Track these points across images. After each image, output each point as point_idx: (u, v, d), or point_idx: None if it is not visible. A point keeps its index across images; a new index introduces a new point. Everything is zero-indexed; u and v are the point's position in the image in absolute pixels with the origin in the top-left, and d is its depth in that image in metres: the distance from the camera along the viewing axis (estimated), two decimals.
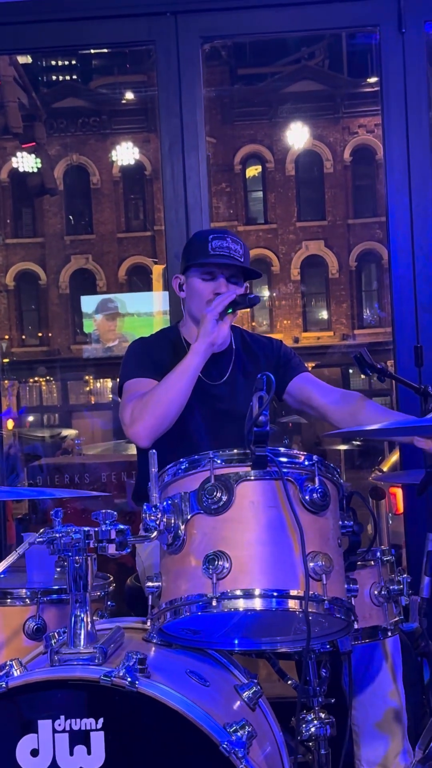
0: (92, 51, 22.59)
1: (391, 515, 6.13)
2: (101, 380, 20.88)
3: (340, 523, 1.81)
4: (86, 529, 1.67)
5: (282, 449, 1.75)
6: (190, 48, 3.28)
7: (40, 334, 23.08)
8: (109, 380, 20.49)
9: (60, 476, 5.39)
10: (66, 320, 22.65)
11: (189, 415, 2.44)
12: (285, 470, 1.70)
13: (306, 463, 1.74)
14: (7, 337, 20.40)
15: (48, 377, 21.14)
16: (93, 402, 20.69)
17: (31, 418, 19.00)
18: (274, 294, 22.97)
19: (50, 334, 22.71)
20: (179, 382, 2.32)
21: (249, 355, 2.59)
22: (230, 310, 2.38)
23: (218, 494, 1.69)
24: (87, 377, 21.09)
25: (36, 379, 21.42)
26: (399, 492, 6.11)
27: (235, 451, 1.73)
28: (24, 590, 2.06)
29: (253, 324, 22.58)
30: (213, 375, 2.51)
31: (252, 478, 1.70)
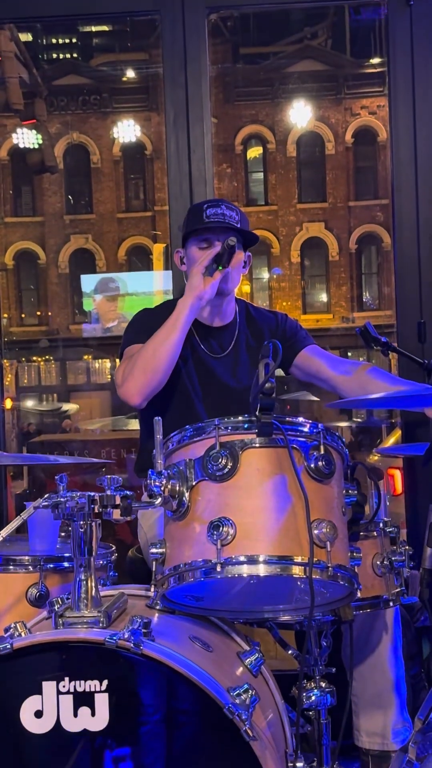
0: (93, 29, 22.46)
1: (389, 496, 6.14)
2: (100, 360, 20.88)
3: (345, 492, 1.81)
4: (91, 494, 1.66)
5: (288, 417, 1.75)
6: (195, 18, 3.25)
7: (39, 314, 23.04)
8: (107, 360, 20.50)
9: (60, 452, 5.40)
10: (65, 300, 22.62)
11: (190, 388, 2.45)
12: (290, 438, 1.70)
13: (311, 431, 1.73)
14: (6, 315, 20.36)
15: (47, 356, 21.13)
16: (92, 382, 20.70)
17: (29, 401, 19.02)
18: (274, 276, 22.93)
19: (49, 314, 22.68)
20: (167, 337, 2.33)
21: (253, 329, 2.59)
22: (219, 267, 2.37)
23: (223, 461, 1.68)
24: (86, 357, 21.09)
25: (35, 358, 21.40)
26: (397, 473, 6.13)
27: (241, 418, 1.73)
28: (27, 557, 2.06)
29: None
30: (215, 348, 2.51)
31: (257, 445, 1.69)
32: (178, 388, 2.46)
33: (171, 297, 3.34)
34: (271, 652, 2.51)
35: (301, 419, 1.76)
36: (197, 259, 2.44)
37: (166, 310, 2.53)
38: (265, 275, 23.11)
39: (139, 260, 22.19)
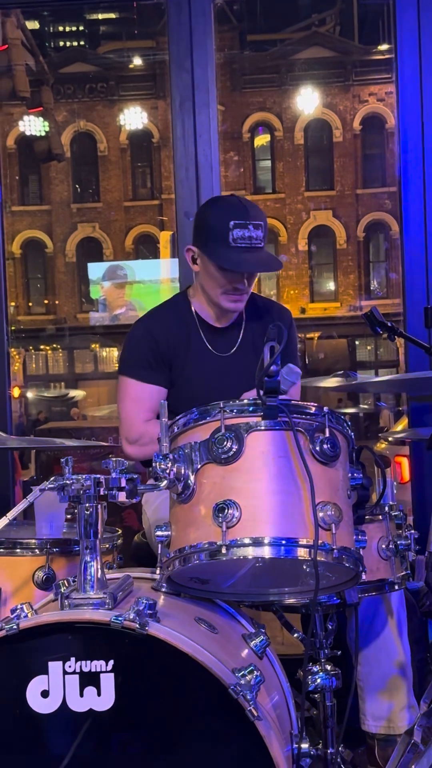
0: (100, 16, 22.39)
1: (396, 484, 6.14)
2: (107, 348, 20.90)
3: (350, 475, 1.81)
4: (97, 476, 1.67)
5: (293, 400, 1.75)
6: (202, 2, 3.24)
7: (46, 302, 23.06)
8: (115, 349, 20.50)
9: (67, 439, 5.41)
10: (72, 288, 22.63)
11: (199, 388, 2.43)
12: (295, 420, 1.70)
13: (317, 413, 1.73)
14: (13, 304, 20.39)
15: (54, 345, 21.15)
16: (99, 370, 20.72)
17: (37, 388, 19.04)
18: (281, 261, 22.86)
19: (57, 302, 22.69)
20: None
21: (259, 326, 2.51)
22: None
23: (228, 444, 1.69)
24: (93, 345, 21.10)
25: (42, 347, 21.43)
26: (404, 461, 6.13)
27: (246, 401, 1.73)
28: (33, 540, 2.08)
29: (260, 294, 22.51)
30: (221, 347, 2.48)
31: (263, 428, 1.70)
32: (190, 387, 2.43)
33: (177, 285, 3.34)
34: (278, 637, 2.52)
35: (306, 402, 1.76)
36: (217, 279, 2.35)
37: (171, 316, 2.47)
38: None
39: (146, 248, 22.17)
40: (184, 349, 2.44)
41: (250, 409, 1.71)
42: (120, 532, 2.34)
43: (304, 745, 1.75)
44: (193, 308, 2.49)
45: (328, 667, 2.00)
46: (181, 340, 2.44)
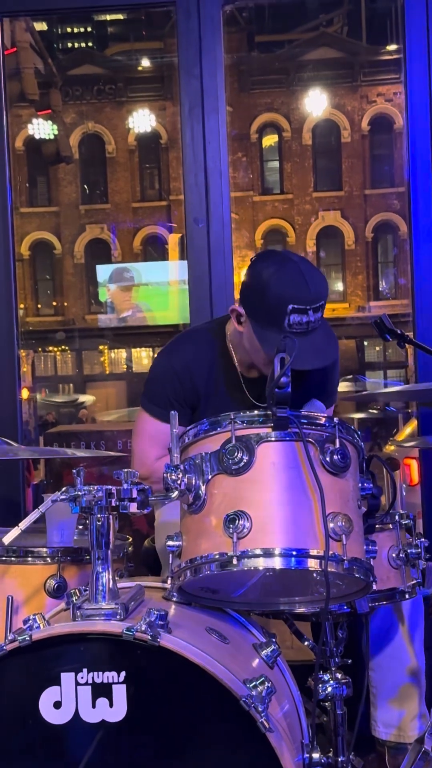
0: (108, 18, 22.40)
1: (405, 486, 6.14)
2: (116, 350, 20.92)
3: (360, 485, 1.82)
4: (108, 487, 1.68)
5: (303, 411, 1.75)
6: (211, 9, 3.24)
7: (54, 304, 23.10)
8: (123, 350, 20.53)
9: (76, 443, 5.42)
10: (81, 290, 22.66)
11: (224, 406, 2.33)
12: (306, 431, 1.70)
13: (327, 424, 1.74)
14: (22, 306, 20.43)
15: (63, 347, 21.19)
16: (108, 372, 20.74)
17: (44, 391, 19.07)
18: None
19: (65, 304, 22.73)
20: None
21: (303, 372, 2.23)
22: None
23: (239, 455, 1.69)
24: (102, 347, 21.13)
25: (51, 348, 21.47)
26: (413, 463, 6.12)
27: (256, 412, 1.73)
28: (45, 549, 2.08)
29: None
30: (262, 398, 2.25)
31: (273, 439, 1.70)
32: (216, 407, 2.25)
33: (186, 288, 3.35)
34: (287, 642, 2.52)
35: (316, 413, 1.77)
36: (262, 351, 2.12)
37: (203, 358, 2.29)
38: None
39: (155, 250, 22.18)
40: (214, 390, 2.29)
41: (261, 420, 1.72)
42: (130, 539, 2.35)
43: (315, 755, 1.76)
44: (233, 356, 2.30)
45: (339, 676, 2.00)
46: (211, 383, 2.28)
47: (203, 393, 2.28)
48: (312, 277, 2.12)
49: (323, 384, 2.36)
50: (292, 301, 2.05)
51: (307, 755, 1.75)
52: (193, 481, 1.72)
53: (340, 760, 1.98)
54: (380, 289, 23.12)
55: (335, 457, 1.71)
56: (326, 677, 1.99)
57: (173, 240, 18.45)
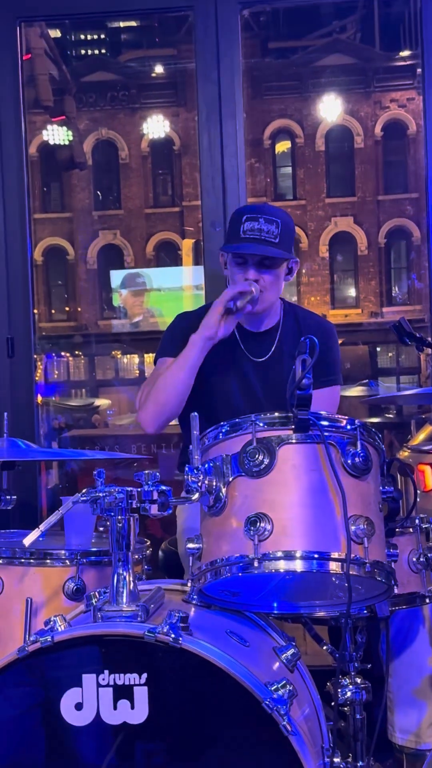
0: (121, 24, 22.50)
1: (420, 492, 6.10)
2: (129, 355, 20.95)
3: (381, 488, 1.81)
4: (129, 489, 1.68)
5: (324, 413, 1.75)
6: (228, 14, 3.26)
7: (68, 309, 23.17)
8: (136, 356, 20.55)
9: (91, 447, 5.43)
10: (94, 295, 22.71)
11: (230, 392, 2.47)
12: (327, 434, 1.70)
13: (348, 427, 1.74)
14: (36, 311, 20.50)
15: (76, 352, 21.24)
16: (121, 377, 20.77)
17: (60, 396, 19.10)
18: (303, 271, 22.85)
19: (78, 309, 22.79)
20: (177, 374, 2.40)
21: (295, 335, 2.55)
22: (235, 309, 2.36)
23: (260, 457, 1.69)
24: (115, 352, 21.16)
25: (64, 353, 21.52)
26: (428, 469, 6.09)
27: (277, 414, 1.73)
28: (64, 551, 2.08)
29: None
30: (256, 352, 2.54)
31: (294, 441, 1.70)
32: (216, 390, 2.50)
33: (201, 293, 3.36)
34: (303, 647, 2.51)
35: (337, 415, 1.76)
36: (233, 276, 2.46)
37: (201, 316, 2.51)
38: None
39: (167, 255, 22.22)
40: (218, 351, 2.46)
41: (282, 422, 1.72)
42: (148, 542, 2.35)
43: (336, 760, 1.75)
44: None
45: (358, 680, 1.99)
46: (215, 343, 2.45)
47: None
48: (269, 205, 2.54)
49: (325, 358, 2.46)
50: (246, 212, 2.45)
51: (328, 760, 1.74)
52: (214, 483, 1.72)
53: (359, 765, 1.97)
54: (393, 294, 23.07)
55: (357, 459, 1.71)
56: (345, 682, 1.98)
57: (187, 245, 18.50)
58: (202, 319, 2.47)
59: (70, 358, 21.92)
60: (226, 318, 2.39)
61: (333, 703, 1.93)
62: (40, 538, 2.21)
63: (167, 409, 2.41)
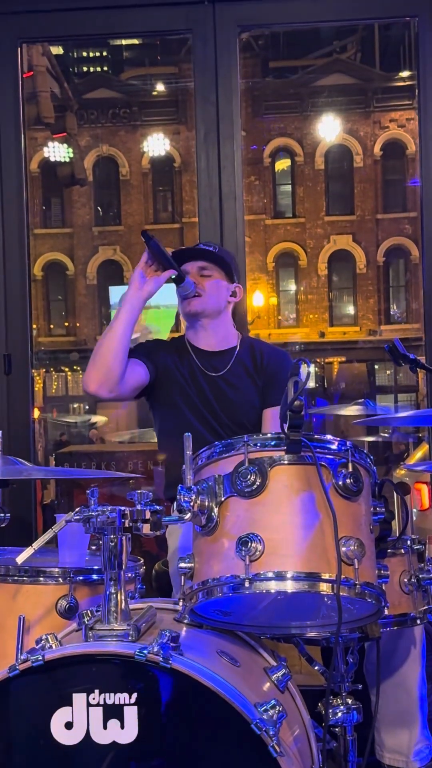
0: (123, 42, 22.68)
1: (416, 512, 6.11)
2: None
3: (372, 509, 1.82)
4: (122, 508, 1.69)
5: (316, 435, 1.76)
6: (227, 37, 3.30)
7: (66, 324, 23.20)
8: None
9: (87, 464, 5.43)
10: (93, 311, 22.76)
11: (189, 404, 2.60)
12: (319, 455, 1.71)
13: (340, 448, 1.75)
14: (34, 326, 20.52)
15: (75, 367, 21.25)
16: None
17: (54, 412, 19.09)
18: (301, 288, 22.91)
19: (77, 325, 22.83)
20: (110, 328, 2.56)
21: (251, 354, 2.71)
22: (164, 266, 2.57)
23: (252, 477, 1.70)
24: None
25: (62, 368, 21.53)
26: (424, 488, 6.10)
27: (270, 435, 1.74)
28: (56, 569, 2.09)
29: (279, 318, 22.54)
30: (211, 368, 2.66)
31: (286, 462, 1.71)
32: (176, 404, 2.62)
33: None
34: (296, 666, 2.52)
35: (329, 437, 1.77)
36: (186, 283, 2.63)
37: (171, 341, 2.78)
38: (292, 287, 23.11)
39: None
40: (175, 365, 2.65)
41: (274, 443, 1.73)
42: (142, 561, 2.35)
43: None
44: (186, 337, 2.74)
45: (349, 701, 1.99)
46: (173, 358, 2.66)
47: (168, 364, 2.65)
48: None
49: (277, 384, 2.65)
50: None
51: None
52: (206, 503, 1.73)
53: None
54: (391, 312, 23.13)
55: (348, 481, 1.72)
56: (337, 702, 1.98)
57: None
58: (169, 344, 2.75)
59: (69, 373, 21.93)
60: (153, 275, 2.59)
61: (324, 724, 1.94)
62: (36, 556, 2.23)
63: (104, 363, 2.51)
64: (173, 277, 2.58)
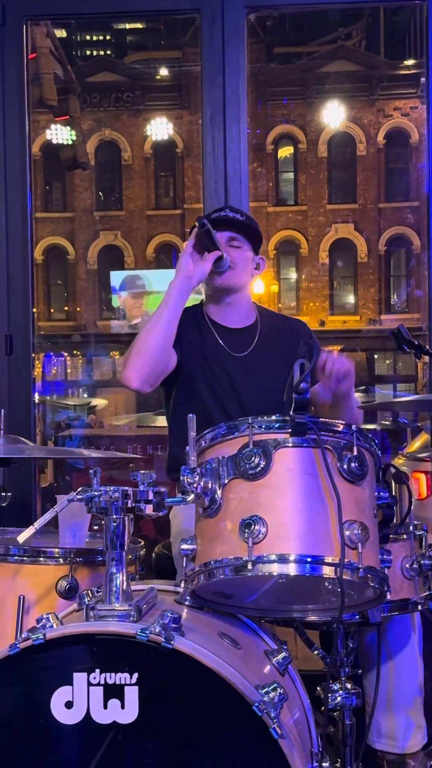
0: (127, 26, 22.55)
1: (414, 500, 6.11)
2: None
3: (376, 494, 1.81)
4: (124, 488, 1.68)
5: (321, 418, 1.75)
6: (235, 17, 3.27)
7: (67, 309, 23.18)
8: None
9: (87, 447, 5.43)
10: (93, 296, 22.73)
11: (215, 386, 2.48)
12: (324, 438, 1.70)
13: (345, 431, 1.73)
14: (35, 310, 20.49)
15: (75, 351, 21.24)
16: (118, 378, 20.75)
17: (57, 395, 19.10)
18: (302, 276, 22.88)
19: (78, 309, 22.80)
20: (158, 318, 2.41)
21: (275, 331, 2.63)
22: (209, 248, 2.43)
23: (256, 459, 1.69)
24: (113, 353, 21.17)
25: (62, 353, 21.52)
26: (422, 477, 6.10)
27: (274, 417, 1.73)
28: (57, 549, 2.08)
29: (279, 306, 22.51)
30: (235, 348, 2.56)
31: (290, 444, 1.69)
32: (196, 385, 2.52)
33: (197, 296, 3.35)
34: (293, 652, 2.51)
35: (334, 420, 1.76)
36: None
37: (187, 314, 2.55)
38: (293, 276, 23.07)
39: (168, 258, 22.24)
40: (198, 346, 2.52)
41: (278, 425, 1.71)
42: (142, 543, 2.35)
43: (325, 764, 1.75)
44: (205, 312, 2.60)
45: (349, 686, 1.99)
46: (194, 337, 2.52)
47: (188, 346, 2.51)
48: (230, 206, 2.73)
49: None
50: (214, 211, 2.61)
51: (317, 764, 1.74)
52: (209, 485, 1.72)
53: None
54: (392, 302, 23.11)
55: (353, 464, 1.71)
56: (336, 687, 1.98)
57: None
58: (189, 319, 2.53)
59: (68, 358, 21.92)
60: (199, 260, 2.44)
61: (323, 708, 1.94)
62: (37, 536, 2.22)
63: (151, 358, 2.39)
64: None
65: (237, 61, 3.28)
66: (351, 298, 23.24)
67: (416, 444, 8.04)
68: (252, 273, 2.60)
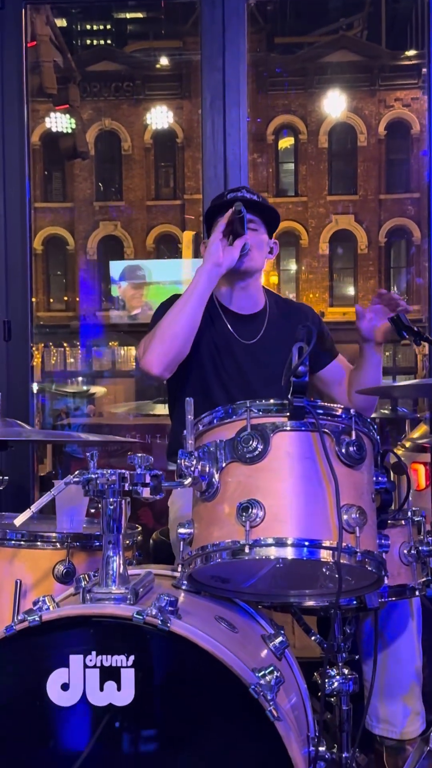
0: (128, 15, 22.45)
1: (412, 491, 6.09)
2: (126, 347, 20.95)
3: (374, 479, 1.80)
4: (122, 471, 1.67)
5: (320, 401, 1.74)
6: (236, 1, 3.25)
7: (66, 299, 23.14)
8: (133, 348, 20.52)
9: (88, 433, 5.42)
10: (93, 286, 22.69)
11: (222, 373, 2.46)
12: (322, 422, 1.69)
13: (343, 416, 1.73)
14: (34, 299, 20.46)
15: (74, 341, 21.22)
16: (117, 369, 20.75)
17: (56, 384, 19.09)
18: (302, 267, 22.84)
19: (77, 299, 22.77)
20: (185, 304, 2.37)
21: (284, 317, 2.61)
22: (239, 233, 2.38)
23: (254, 443, 1.68)
24: (112, 343, 21.15)
25: (62, 343, 21.50)
26: (421, 468, 6.09)
27: (272, 401, 1.72)
28: (54, 534, 2.08)
29: None
30: (246, 335, 2.52)
31: (288, 428, 1.69)
32: (204, 371, 2.50)
33: None
34: (290, 639, 2.51)
35: (333, 404, 1.75)
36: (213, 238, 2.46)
37: None
38: (293, 266, 23.03)
39: (168, 248, 22.20)
40: (208, 332, 2.48)
41: (277, 409, 1.71)
42: (139, 528, 2.35)
43: (321, 748, 1.75)
44: (215, 297, 2.54)
45: (346, 671, 1.99)
46: (204, 323, 2.45)
47: (199, 331, 2.43)
48: (246, 187, 2.64)
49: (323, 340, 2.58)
50: (227, 191, 2.58)
51: (313, 748, 1.74)
52: (207, 469, 1.71)
53: (344, 756, 1.97)
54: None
55: (351, 449, 1.70)
56: (333, 672, 1.98)
57: (187, 237, 18.48)
58: None
59: (68, 348, 21.90)
60: (228, 247, 2.39)
61: (320, 693, 1.94)
62: (34, 521, 2.22)
63: (176, 344, 2.35)
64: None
65: (237, 45, 3.27)
66: (351, 290, 23.20)
67: (415, 435, 8.03)
68: (266, 257, 2.57)
